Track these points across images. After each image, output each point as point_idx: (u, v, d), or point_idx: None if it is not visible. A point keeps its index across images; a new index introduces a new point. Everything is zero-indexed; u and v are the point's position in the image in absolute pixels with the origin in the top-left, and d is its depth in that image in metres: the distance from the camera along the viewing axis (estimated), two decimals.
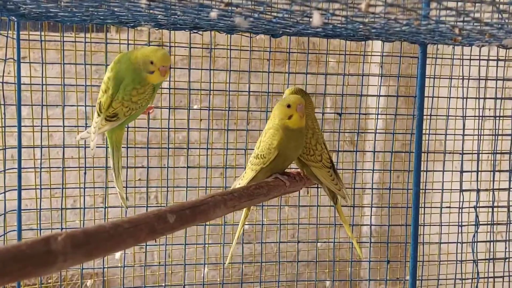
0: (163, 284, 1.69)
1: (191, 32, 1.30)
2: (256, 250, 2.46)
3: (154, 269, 2.41)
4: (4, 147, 1.41)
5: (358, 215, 2.72)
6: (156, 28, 1.26)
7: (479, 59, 1.68)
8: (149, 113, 1.26)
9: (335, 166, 1.23)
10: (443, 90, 1.96)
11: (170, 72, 1.36)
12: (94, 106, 1.15)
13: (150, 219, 0.70)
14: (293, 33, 1.27)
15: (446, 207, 1.77)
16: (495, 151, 1.70)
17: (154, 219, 0.70)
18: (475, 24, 0.93)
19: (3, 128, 1.40)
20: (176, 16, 1.03)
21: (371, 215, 1.92)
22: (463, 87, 1.68)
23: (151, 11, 0.97)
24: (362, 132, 2.35)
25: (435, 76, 1.82)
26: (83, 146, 1.52)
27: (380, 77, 1.81)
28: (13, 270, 0.50)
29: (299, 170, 1.23)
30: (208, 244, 1.72)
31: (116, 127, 1.13)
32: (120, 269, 1.72)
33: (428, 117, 1.77)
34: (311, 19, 0.93)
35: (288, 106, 1.08)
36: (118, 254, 1.72)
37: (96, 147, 1.59)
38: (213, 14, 0.87)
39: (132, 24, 1.23)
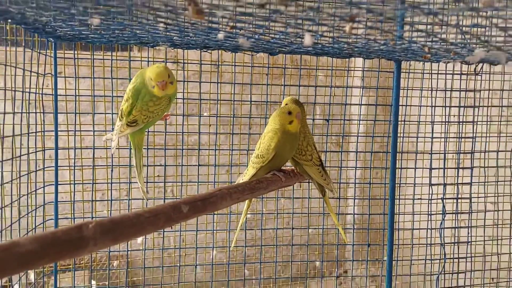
0: (178, 264, 1.68)
1: (202, 50, 1.30)
2: (256, 236, 2.45)
3: (170, 252, 2.40)
4: (43, 149, 1.41)
5: (343, 205, 2.71)
6: (172, 48, 1.27)
7: (445, 73, 1.68)
8: (166, 119, 1.25)
9: (324, 164, 1.23)
10: (415, 100, 1.95)
11: (183, 85, 1.37)
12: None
13: (167, 209, 0.69)
14: (288, 51, 1.27)
15: (418, 198, 1.77)
16: (459, 151, 1.69)
17: (171, 209, 0.70)
18: (442, 43, 0.93)
19: (43, 132, 1.40)
20: (189, 37, 1.03)
21: (354, 206, 1.92)
22: (431, 97, 1.68)
23: (167, 33, 0.97)
24: (346, 136, 2.35)
25: (408, 88, 1.82)
26: (111, 147, 1.52)
27: (361, 89, 1.80)
28: (51, 253, 0.50)
29: (293, 167, 1.23)
30: (216, 230, 1.72)
31: (137, 131, 1.13)
32: (141, 252, 1.71)
33: (402, 122, 1.77)
34: (303, 40, 0.93)
35: (289, 113, 1.09)
36: (140, 239, 1.72)
37: (121, 148, 1.59)
38: (220, 35, 0.87)
39: (151, 44, 1.23)
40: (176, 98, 1.25)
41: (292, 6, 0.63)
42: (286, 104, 1.17)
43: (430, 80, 1.71)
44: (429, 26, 0.87)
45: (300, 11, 0.70)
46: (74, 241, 0.53)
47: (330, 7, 0.70)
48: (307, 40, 0.77)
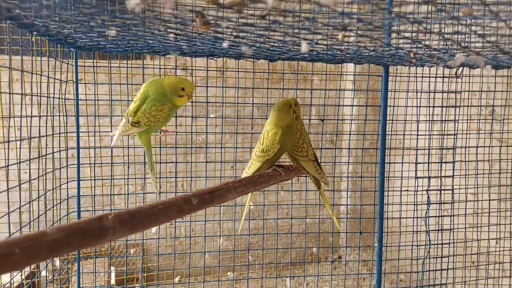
0: (189, 252, 1.69)
1: (208, 58, 1.30)
2: (259, 225, 2.45)
3: (181, 240, 2.41)
4: (66, 148, 1.42)
5: (337, 197, 2.71)
6: (181, 56, 1.27)
7: (429, 76, 1.68)
8: (161, 136, 1.25)
9: (318, 160, 1.22)
10: (402, 101, 1.95)
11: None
12: None
13: (178, 201, 0.69)
14: (286, 58, 1.26)
15: (405, 190, 1.77)
16: (442, 147, 1.69)
17: (182, 201, 0.70)
18: (426, 49, 0.92)
19: (66, 133, 1.40)
20: (196, 46, 1.03)
21: (347, 197, 1.91)
22: (417, 98, 1.67)
23: (177, 42, 0.97)
24: (340, 134, 2.34)
25: (395, 90, 1.82)
26: (127, 147, 1.52)
27: (353, 91, 1.80)
28: (75, 241, 0.50)
29: (291, 163, 1.23)
30: (223, 220, 1.72)
31: (143, 132, 1.13)
32: (155, 240, 1.72)
33: (390, 121, 1.76)
34: (300, 47, 0.93)
35: (290, 106, 1.14)
36: (154, 229, 1.72)
37: (136, 147, 1.59)
38: (225, 44, 0.87)
39: (162, 53, 1.23)
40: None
41: (289, 16, 0.63)
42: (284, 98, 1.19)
43: (415, 82, 1.71)
44: (414, 34, 0.86)
45: (297, 22, 0.69)
46: (95, 231, 0.53)
47: (324, 18, 0.70)
48: (304, 47, 0.76)
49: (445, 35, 0.78)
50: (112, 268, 2.12)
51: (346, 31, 0.70)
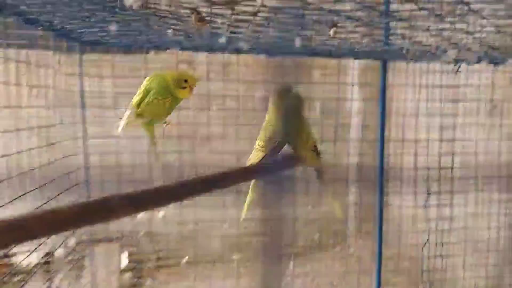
0: (196, 237, 1.70)
1: (208, 53, 1.32)
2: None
3: (189, 227, 2.44)
4: (73, 139, 1.46)
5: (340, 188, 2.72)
6: (182, 50, 1.29)
7: (428, 72, 1.69)
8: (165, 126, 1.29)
9: (318, 150, 1.23)
10: (402, 95, 1.95)
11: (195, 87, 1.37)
12: None
13: (182, 185, 0.71)
14: (283, 53, 1.28)
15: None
16: (441, 139, 1.71)
17: (186, 184, 0.71)
18: (421, 46, 0.94)
19: (73, 124, 1.44)
20: (195, 42, 1.06)
21: (348, 188, 1.94)
22: (416, 92, 1.69)
23: (176, 37, 0.99)
24: (341, 127, 2.35)
25: (396, 84, 1.82)
26: (132, 137, 1.55)
27: (353, 85, 1.81)
28: (85, 218, 0.54)
29: (293, 153, 1.24)
30: (229, 206, 1.73)
31: (148, 124, 1.17)
32: (164, 227, 1.72)
33: (390, 114, 1.77)
34: (295, 43, 0.96)
35: (289, 91, 1.13)
36: (161, 215, 1.74)
37: (140, 138, 1.63)
38: (222, 40, 0.90)
39: (164, 47, 1.25)
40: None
41: (281, 14, 0.67)
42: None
43: (415, 77, 1.72)
44: (409, 31, 0.89)
45: (289, 18, 0.73)
46: (103, 209, 0.57)
47: (313, 15, 0.73)
48: (298, 43, 0.80)
49: (433, 32, 0.81)
50: (123, 252, 2.18)
51: (337, 28, 0.74)
